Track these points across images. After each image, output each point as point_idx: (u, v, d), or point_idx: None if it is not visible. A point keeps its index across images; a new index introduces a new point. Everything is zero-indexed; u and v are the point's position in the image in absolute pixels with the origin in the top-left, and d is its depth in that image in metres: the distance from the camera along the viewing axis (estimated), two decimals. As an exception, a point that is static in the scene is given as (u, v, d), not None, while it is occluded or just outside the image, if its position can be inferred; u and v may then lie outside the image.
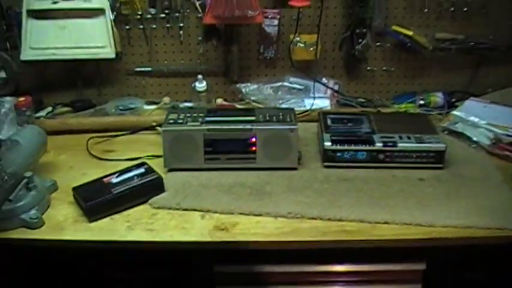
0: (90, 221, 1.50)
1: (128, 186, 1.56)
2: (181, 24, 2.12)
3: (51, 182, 1.63)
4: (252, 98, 2.17)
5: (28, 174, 1.50)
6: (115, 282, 1.59)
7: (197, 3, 2.07)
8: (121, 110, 2.14)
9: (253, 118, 1.72)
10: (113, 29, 2.05)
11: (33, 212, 1.47)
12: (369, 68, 2.22)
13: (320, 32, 2.09)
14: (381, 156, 1.71)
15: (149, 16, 2.10)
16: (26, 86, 2.12)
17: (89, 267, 1.57)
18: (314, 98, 2.11)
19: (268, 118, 1.72)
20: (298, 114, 1.84)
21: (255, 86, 2.20)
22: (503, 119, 1.91)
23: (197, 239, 1.44)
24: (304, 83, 2.20)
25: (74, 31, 2.05)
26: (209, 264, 1.55)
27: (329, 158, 1.72)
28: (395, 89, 2.26)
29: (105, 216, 1.51)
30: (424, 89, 2.21)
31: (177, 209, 1.55)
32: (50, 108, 2.15)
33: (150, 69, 2.20)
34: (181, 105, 2.18)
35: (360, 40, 2.12)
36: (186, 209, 1.54)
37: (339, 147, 1.71)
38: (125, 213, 1.53)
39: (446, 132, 1.93)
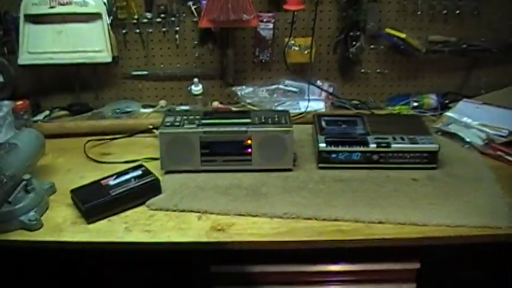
0: (88, 223, 1.51)
1: (125, 188, 1.57)
2: (177, 28, 2.14)
3: (50, 184, 1.64)
4: (248, 100, 2.19)
5: (27, 176, 1.51)
6: (113, 283, 1.61)
7: (193, 8, 2.09)
8: (118, 113, 2.16)
9: (248, 120, 1.74)
10: (109, 33, 2.07)
11: (32, 214, 1.48)
12: (363, 70, 2.24)
13: (314, 35, 2.11)
14: (375, 157, 1.73)
15: (145, 20, 2.12)
16: (23, 90, 2.14)
17: (88, 269, 1.58)
18: (309, 100, 2.13)
19: (263, 120, 1.74)
20: (293, 116, 1.86)
21: (251, 89, 2.21)
22: (495, 120, 1.94)
23: (194, 239, 1.45)
24: (299, 86, 2.22)
25: (71, 35, 2.07)
26: (206, 265, 1.56)
27: (324, 159, 1.74)
28: (389, 91, 2.28)
29: (103, 218, 1.53)
30: (418, 91, 2.23)
31: (174, 211, 1.56)
32: (47, 112, 2.17)
33: (146, 72, 2.22)
34: (178, 108, 2.20)
35: (354, 43, 2.14)
36: (183, 210, 1.56)
37: (333, 148, 1.73)
38: (123, 214, 1.55)
39: (439, 133, 1.95)
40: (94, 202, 1.52)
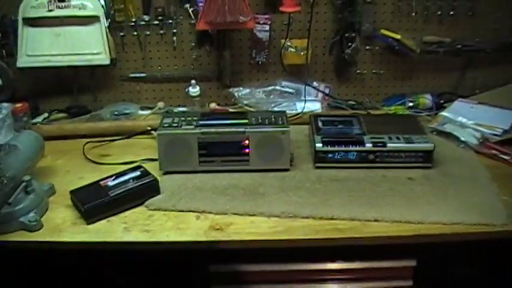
0: (88, 223, 1.52)
1: (124, 189, 1.59)
2: (175, 31, 2.15)
3: (49, 185, 1.66)
4: (245, 102, 2.20)
5: (26, 178, 1.52)
6: (113, 283, 1.62)
7: (190, 10, 2.10)
8: (116, 115, 2.17)
9: (246, 121, 1.76)
10: (107, 36, 2.08)
11: (31, 214, 1.50)
12: (358, 71, 2.25)
13: (310, 36, 2.13)
14: (371, 156, 1.75)
15: (143, 23, 2.14)
16: (22, 93, 2.16)
17: (88, 269, 1.60)
18: (305, 101, 2.15)
19: (260, 121, 1.75)
20: (290, 117, 1.87)
21: (248, 90, 2.23)
22: (490, 119, 1.96)
23: (193, 238, 1.47)
24: (296, 87, 2.23)
25: (69, 38, 2.08)
26: (205, 264, 1.58)
27: (320, 159, 1.76)
28: (385, 91, 2.29)
29: (102, 219, 1.54)
30: (413, 91, 2.25)
31: (173, 211, 1.58)
32: (46, 114, 2.18)
33: (144, 75, 2.23)
34: (175, 110, 2.21)
35: (350, 44, 2.15)
36: (181, 210, 1.58)
37: (330, 148, 1.75)
38: (122, 215, 1.56)
39: (434, 132, 1.97)
40: (93, 203, 1.53)
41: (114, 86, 2.25)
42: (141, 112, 2.21)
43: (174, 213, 1.57)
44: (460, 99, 2.12)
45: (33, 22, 2.06)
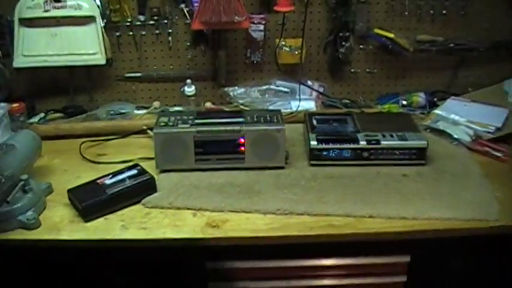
0: (86, 221, 1.54)
1: (121, 187, 1.60)
2: (170, 31, 2.16)
3: (47, 184, 1.67)
4: (240, 101, 2.21)
5: (24, 177, 1.54)
6: (113, 283, 1.63)
7: (185, 10, 2.11)
8: (112, 115, 2.18)
9: (241, 120, 1.77)
10: (103, 36, 2.09)
11: (30, 213, 1.51)
12: (352, 70, 2.27)
13: (305, 36, 2.14)
14: (365, 154, 1.77)
15: (138, 23, 2.15)
16: (18, 93, 2.16)
17: (87, 269, 1.60)
18: (300, 100, 2.16)
19: (256, 119, 1.77)
20: (284, 116, 1.88)
21: (243, 90, 2.24)
22: (483, 117, 1.98)
23: (190, 235, 1.48)
24: (290, 86, 2.24)
25: (65, 38, 2.09)
26: (201, 261, 1.59)
27: (315, 157, 1.78)
28: (379, 90, 2.31)
29: (100, 216, 1.55)
30: (407, 90, 2.27)
31: (170, 208, 1.59)
32: (42, 114, 2.19)
33: (140, 74, 2.24)
34: (171, 109, 2.22)
35: (344, 43, 2.17)
36: (178, 208, 1.59)
37: (324, 146, 1.77)
38: (119, 213, 1.58)
39: (428, 130, 1.99)
40: (91, 201, 1.54)
41: (110, 85, 2.26)
42: (136, 112, 2.22)
43: (171, 211, 1.58)
44: (452, 97, 2.14)
45: (29, 22, 2.06)
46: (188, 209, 1.59)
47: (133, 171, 1.67)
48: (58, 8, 2.04)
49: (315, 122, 1.89)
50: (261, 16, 2.16)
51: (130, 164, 1.73)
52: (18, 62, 2.09)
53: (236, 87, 2.25)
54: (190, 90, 2.14)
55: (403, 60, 2.24)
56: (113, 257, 1.56)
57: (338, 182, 1.70)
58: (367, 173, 1.74)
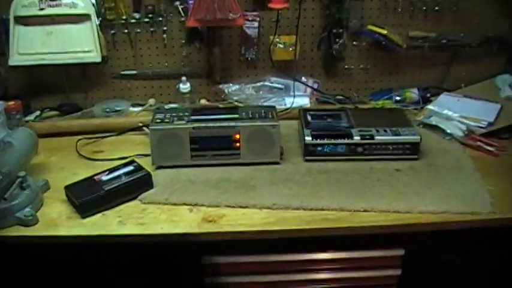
0: (83, 217, 1.55)
1: (118, 183, 1.61)
2: (165, 28, 2.17)
3: (44, 181, 1.68)
4: (235, 98, 2.22)
5: (22, 174, 1.55)
6: (113, 283, 1.65)
7: (180, 8, 2.12)
8: (107, 112, 2.18)
9: (236, 116, 1.79)
10: (98, 34, 2.09)
11: (27, 210, 1.52)
12: (346, 66, 2.29)
13: (299, 33, 2.16)
14: (359, 149, 1.78)
15: (133, 21, 2.15)
16: (14, 91, 2.17)
17: (87, 268, 1.62)
18: (294, 96, 2.18)
19: (251, 116, 1.79)
20: (279, 112, 1.90)
21: (237, 86, 2.25)
22: (475, 112, 2.01)
23: (186, 230, 1.50)
24: (285, 82, 2.25)
25: (60, 36, 2.09)
26: (198, 256, 1.60)
27: (310, 152, 1.79)
28: (372, 86, 2.33)
29: (97, 213, 1.57)
30: (400, 86, 2.28)
31: (166, 204, 1.61)
32: (38, 112, 2.20)
33: (135, 72, 2.25)
34: (167, 106, 2.22)
35: (337, 40, 2.18)
36: (174, 204, 1.60)
37: (319, 141, 1.78)
38: (116, 209, 1.59)
39: (421, 125, 2.01)
40: (88, 197, 1.56)
41: (105, 83, 2.27)
42: (132, 109, 2.23)
43: (168, 207, 1.60)
44: (445, 92, 2.16)
45: (25, 21, 2.07)
46: (184, 204, 1.60)
47: (130, 168, 1.68)
48: (53, 6, 2.04)
49: (309, 117, 1.90)
50: (255, 13, 2.17)
51: (127, 160, 1.74)
52: (14, 60, 2.09)
53: (231, 84, 2.26)
54: (185, 87, 2.15)
55: (396, 56, 2.25)
56: (110, 252, 1.57)
57: (332, 176, 1.72)
58: (361, 167, 1.76)
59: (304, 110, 1.96)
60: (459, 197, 1.60)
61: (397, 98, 2.22)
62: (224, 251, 1.61)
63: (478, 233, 1.56)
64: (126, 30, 2.17)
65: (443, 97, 2.12)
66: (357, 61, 2.28)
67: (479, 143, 1.89)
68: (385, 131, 1.80)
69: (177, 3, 2.12)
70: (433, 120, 2.00)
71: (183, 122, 1.76)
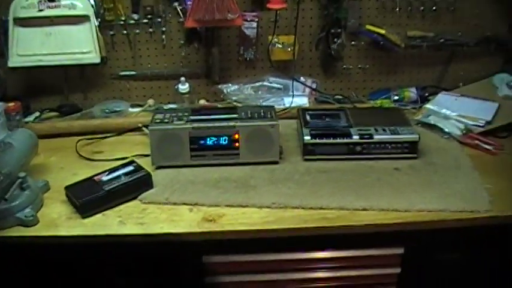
0: (83, 218, 1.55)
1: (118, 183, 1.62)
2: (164, 29, 2.17)
3: (44, 182, 1.68)
4: (234, 98, 2.23)
5: (22, 174, 1.55)
6: (108, 276, 1.64)
7: (178, 8, 2.13)
8: (107, 113, 2.19)
9: (235, 116, 1.79)
10: (97, 35, 2.10)
11: (27, 210, 1.52)
12: (344, 66, 2.29)
13: (297, 32, 2.16)
14: (358, 148, 1.79)
15: (132, 22, 2.15)
16: (13, 92, 2.17)
17: (87, 268, 1.62)
18: (293, 96, 2.18)
19: (250, 115, 1.79)
20: (278, 112, 1.90)
21: (236, 87, 2.26)
22: (473, 111, 2.02)
23: (186, 230, 1.51)
24: (283, 82, 2.26)
25: (59, 38, 2.10)
26: (198, 255, 1.61)
27: (309, 152, 1.80)
28: (371, 85, 2.33)
29: (97, 213, 1.57)
30: (398, 85, 2.29)
31: (166, 204, 1.61)
32: (37, 113, 2.20)
33: (134, 73, 2.25)
34: (166, 107, 2.23)
35: (336, 40, 2.19)
36: (174, 203, 1.61)
37: (318, 140, 1.79)
38: (116, 209, 1.59)
39: (419, 124, 2.02)
40: (88, 197, 1.56)
41: (104, 84, 2.27)
42: (131, 110, 2.23)
43: (168, 206, 1.60)
44: (443, 92, 2.17)
45: (24, 22, 2.07)
46: (184, 204, 1.61)
47: (130, 168, 1.68)
48: (52, 7, 2.05)
49: (308, 117, 1.91)
50: (254, 13, 2.17)
51: (127, 161, 1.75)
52: (13, 61, 2.09)
53: (229, 84, 2.26)
54: (184, 87, 2.15)
55: (395, 55, 2.26)
56: (110, 252, 1.57)
57: (331, 175, 1.72)
58: (360, 166, 1.77)
59: (303, 110, 1.97)
60: (458, 196, 1.60)
61: (396, 98, 2.23)
62: (224, 250, 1.62)
63: (477, 231, 1.57)
64: (125, 31, 2.18)
65: (442, 96, 2.13)
66: (356, 61, 2.29)
67: (477, 141, 1.89)
68: (383, 130, 1.81)
69: (176, 3, 2.12)
70: (432, 119, 2.01)
71: (183, 122, 1.76)
